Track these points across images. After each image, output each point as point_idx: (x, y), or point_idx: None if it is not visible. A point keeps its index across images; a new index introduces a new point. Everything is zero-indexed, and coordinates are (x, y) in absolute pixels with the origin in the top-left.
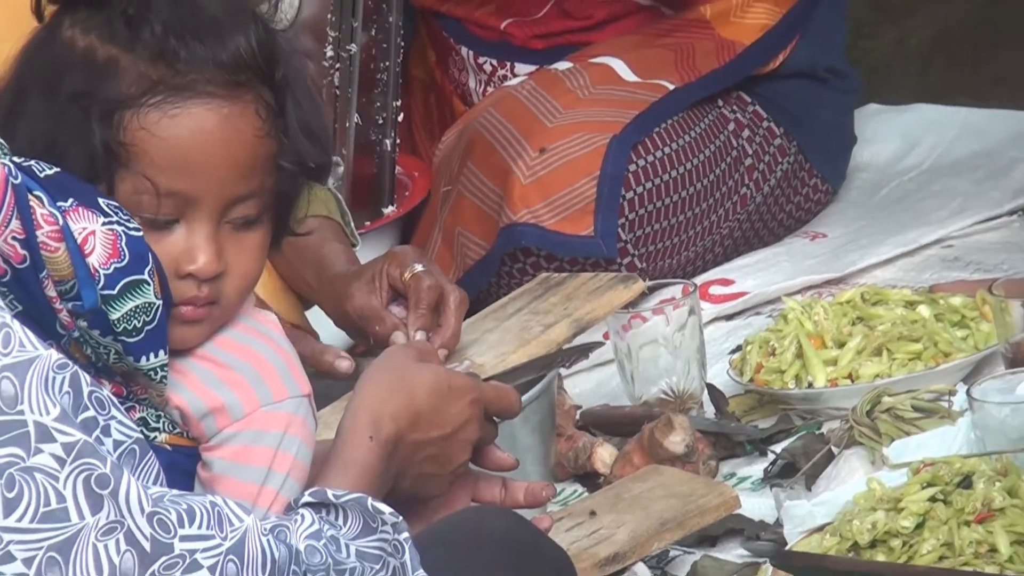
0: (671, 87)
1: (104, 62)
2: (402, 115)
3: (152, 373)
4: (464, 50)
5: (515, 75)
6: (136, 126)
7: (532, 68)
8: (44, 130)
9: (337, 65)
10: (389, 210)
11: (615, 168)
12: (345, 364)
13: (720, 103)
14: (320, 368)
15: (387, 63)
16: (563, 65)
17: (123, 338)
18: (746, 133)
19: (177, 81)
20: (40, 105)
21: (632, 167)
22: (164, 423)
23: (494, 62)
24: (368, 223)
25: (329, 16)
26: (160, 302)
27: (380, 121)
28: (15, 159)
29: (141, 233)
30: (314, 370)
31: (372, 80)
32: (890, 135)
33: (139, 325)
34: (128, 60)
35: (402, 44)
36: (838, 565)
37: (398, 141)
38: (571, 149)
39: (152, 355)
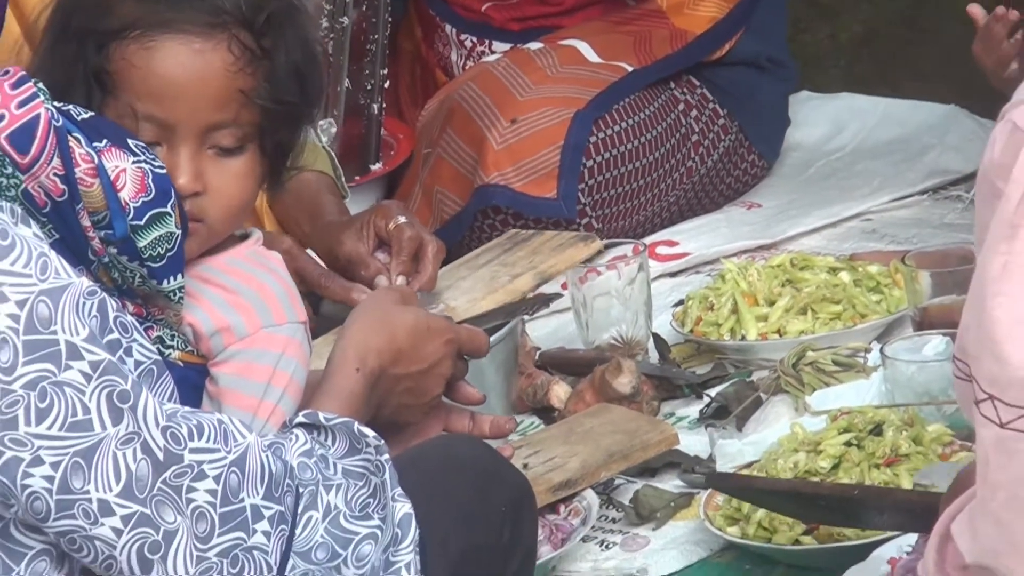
0: (630, 69)
1: (101, 2)
2: (388, 83)
3: (171, 294)
4: (448, 27)
5: (492, 52)
6: (119, 56)
7: (508, 47)
8: (59, 66)
9: (331, 35)
10: (376, 167)
11: (577, 139)
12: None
13: (672, 85)
14: (347, 302)
15: (376, 36)
16: (535, 45)
17: (148, 263)
18: (694, 113)
19: (156, 19)
20: (57, 45)
21: (592, 139)
22: (178, 341)
23: (474, 39)
24: (357, 178)
25: None
26: (180, 232)
27: (368, 87)
28: (56, 103)
29: (165, 171)
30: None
31: (362, 50)
32: (820, 119)
33: (162, 252)
34: (118, 0)
35: (390, 19)
36: (763, 484)
37: (384, 106)
38: (539, 121)
39: (172, 278)
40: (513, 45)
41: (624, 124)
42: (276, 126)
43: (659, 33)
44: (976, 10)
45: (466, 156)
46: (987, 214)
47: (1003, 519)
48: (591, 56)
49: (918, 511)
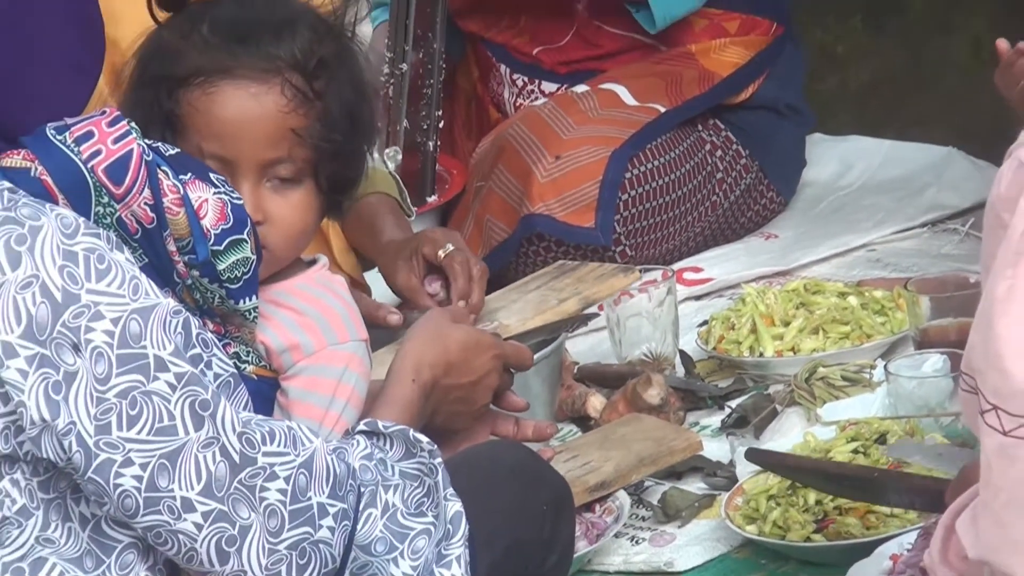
0: (662, 109)
1: (172, 51)
2: (443, 122)
3: (247, 314)
4: (503, 68)
5: (542, 91)
6: (185, 101)
7: (556, 86)
8: (138, 110)
9: (391, 80)
10: (432, 199)
11: (614, 175)
12: (394, 318)
13: (699, 128)
14: (375, 321)
15: (431, 80)
16: (579, 88)
17: (226, 285)
18: (719, 153)
19: (217, 66)
20: (136, 90)
21: (628, 175)
22: (252, 357)
23: (525, 79)
24: (415, 209)
25: (386, 40)
26: (255, 257)
27: (424, 127)
28: (146, 140)
29: (242, 201)
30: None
31: (419, 93)
32: (831, 159)
33: (239, 275)
34: (185, 50)
35: (444, 65)
36: (794, 462)
37: (439, 143)
38: (580, 158)
39: (247, 299)
40: (560, 85)
41: (656, 162)
42: (329, 162)
43: (689, 74)
44: (1002, 44)
45: (514, 188)
46: (993, 243)
47: (1004, 519)
48: (628, 99)
49: (926, 493)
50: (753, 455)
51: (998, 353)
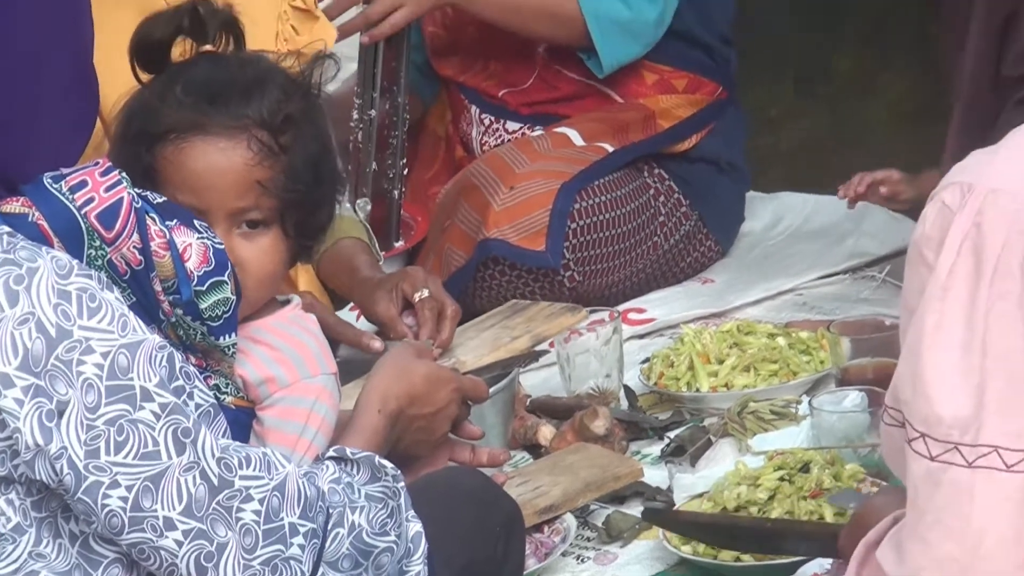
0: (610, 149)
1: (150, 110)
2: (408, 170)
3: (227, 349)
4: (473, 108)
5: (506, 129)
6: (161, 155)
7: (519, 125)
8: (122, 163)
9: (360, 126)
10: (398, 244)
11: (563, 205)
12: (376, 344)
13: (645, 174)
14: (358, 347)
15: (396, 132)
16: (536, 132)
17: (208, 323)
18: (661, 199)
19: (189, 123)
20: (121, 144)
21: (576, 206)
22: (231, 388)
23: (492, 118)
24: (383, 253)
25: (356, 89)
26: (235, 297)
27: (391, 175)
28: (136, 190)
29: (223, 246)
30: (352, 347)
31: (386, 143)
32: (764, 213)
33: (219, 313)
34: (162, 108)
35: (407, 117)
36: (687, 518)
37: (404, 191)
38: (533, 188)
39: (227, 336)
40: (522, 124)
41: (602, 198)
42: (295, 210)
43: (636, 123)
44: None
45: (473, 219)
46: (915, 280)
47: (928, 539)
48: (577, 140)
49: (819, 539)
50: (649, 515)
51: (926, 383)
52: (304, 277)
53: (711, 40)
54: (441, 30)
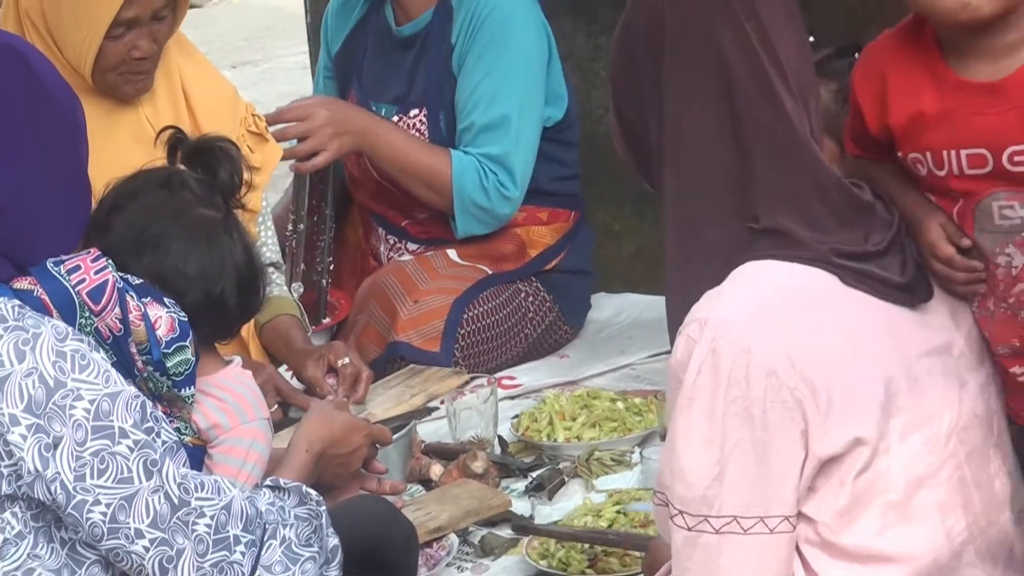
0: (489, 271)
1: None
2: (333, 265)
3: (187, 399)
4: (380, 230)
5: (407, 249)
6: None
7: (417, 246)
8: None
9: (294, 235)
10: (325, 321)
11: (455, 316)
12: (306, 403)
13: (518, 283)
14: (293, 403)
15: (324, 237)
16: (432, 252)
17: (173, 378)
18: (530, 299)
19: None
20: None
21: (465, 316)
22: (188, 430)
23: (396, 239)
24: (313, 327)
25: (291, 206)
26: (194, 359)
27: (319, 269)
28: (120, 272)
29: (187, 318)
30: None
31: (315, 245)
32: (609, 306)
33: (182, 371)
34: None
35: (333, 225)
36: (545, 531)
37: (330, 280)
38: (432, 303)
39: (187, 388)
40: (420, 245)
41: (485, 307)
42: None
43: (511, 250)
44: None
45: (384, 321)
46: (673, 393)
47: None
48: (456, 259)
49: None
50: (518, 529)
51: (681, 471)
52: (253, 345)
53: (563, 184)
54: (355, 169)
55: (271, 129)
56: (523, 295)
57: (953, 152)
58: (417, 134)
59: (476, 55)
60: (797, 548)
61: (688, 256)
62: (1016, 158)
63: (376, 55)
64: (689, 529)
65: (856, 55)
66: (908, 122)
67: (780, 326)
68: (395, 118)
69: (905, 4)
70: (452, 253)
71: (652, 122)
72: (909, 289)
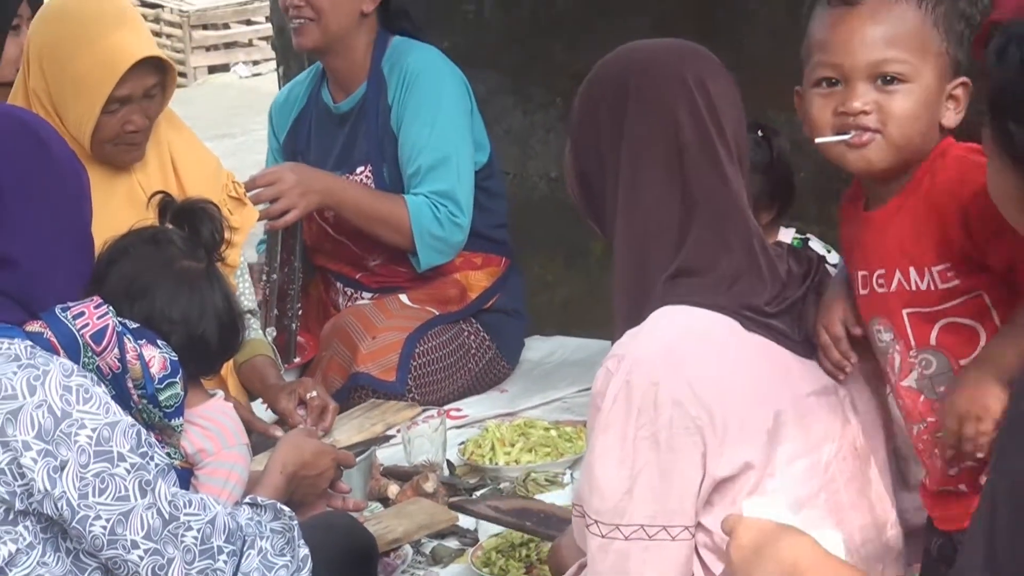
0: (436, 313)
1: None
2: (301, 311)
3: (176, 428)
4: (338, 283)
5: (362, 297)
6: None
7: (370, 295)
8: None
9: (267, 285)
10: (296, 360)
11: (408, 350)
12: (277, 432)
13: (461, 323)
14: (264, 434)
15: (293, 286)
16: (386, 297)
17: (164, 410)
18: (472, 338)
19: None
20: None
21: (416, 350)
22: (177, 455)
23: (352, 291)
24: (285, 365)
25: (264, 259)
26: (183, 393)
27: (289, 315)
28: (118, 318)
29: (176, 357)
30: (260, 433)
31: (286, 294)
32: (543, 347)
33: (172, 404)
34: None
35: (302, 275)
36: (477, 508)
37: (299, 325)
38: (387, 339)
39: (177, 419)
40: (373, 294)
41: (433, 343)
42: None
43: (454, 296)
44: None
45: (346, 356)
46: (592, 418)
47: None
48: (407, 302)
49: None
50: (455, 506)
51: (597, 487)
52: (231, 381)
53: (493, 232)
54: (311, 236)
55: (248, 194)
56: (465, 333)
57: (854, 272)
58: None
59: (413, 110)
60: (697, 552)
61: (634, 298)
62: (879, 280)
63: (320, 133)
64: (603, 536)
65: (759, 132)
66: (843, 244)
67: (686, 363)
68: (343, 177)
69: None
70: (403, 297)
71: (609, 175)
72: (800, 344)
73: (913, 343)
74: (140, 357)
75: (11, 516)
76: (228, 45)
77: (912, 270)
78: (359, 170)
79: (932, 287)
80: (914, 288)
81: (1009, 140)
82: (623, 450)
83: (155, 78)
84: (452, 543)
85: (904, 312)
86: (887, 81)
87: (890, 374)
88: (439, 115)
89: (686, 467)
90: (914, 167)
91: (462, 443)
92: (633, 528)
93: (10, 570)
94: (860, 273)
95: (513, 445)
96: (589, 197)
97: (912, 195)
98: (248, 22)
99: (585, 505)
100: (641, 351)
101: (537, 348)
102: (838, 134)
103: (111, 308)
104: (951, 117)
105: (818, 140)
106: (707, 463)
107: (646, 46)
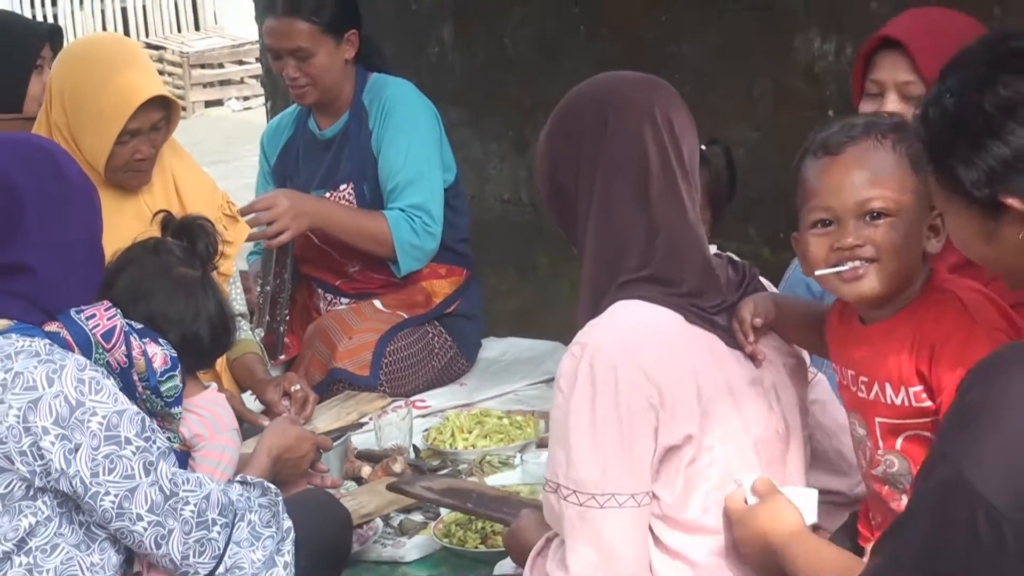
0: (405, 316)
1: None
2: (289, 316)
3: (176, 415)
4: (320, 291)
5: (341, 303)
6: None
7: (348, 300)
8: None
9: (261, 294)
10: (281, 357)
11: (380, 349)
12: (264, 421)
13: (427, 326)
14: (253, 423)
15: (283, 296)
16: (362, 303)
17: (165, 399)
18: (436, 339)
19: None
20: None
21: (388, 348)
22: (176, 440)
23: (332, 296)
24: (273, 362)
25: (258, 271)
26: (181, 385)
27: (279, 319)
28: (125, 319)
29: (176, 354)
30: (249, 422)
31: (277, 302)
32: (498, 347)
33: (172, 394)
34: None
35: (291, 286)
36: (418, 491)
37: (286, 327)
38: (363, 339)
39: (176, 407)
40: (351, 299)
41: (402, 343)
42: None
43: (421, 301)
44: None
45: (325, 353)
46: (557, 398)
47: (579, 552)
48: (380, 307)
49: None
50: (392, 487)
51: (573, 461)
52: (225, 376)
53: (457, 245)
54: (305, 247)
55: (245, 217)
56: (430, 335)
57: (838, 366)
58: (347, 203)
59: (392, 135)
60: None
61: (597, 300)
62: (861, 385)
63: (307, 156)
64: (580, 505)
65: (715, 143)
66: (829, 337)
67: (639, 349)
68: (328, 194)
69: None
70: (377, 303)
71: (583, 189)
72: (735, 339)
73: (881, 445)
74: (144, 353)
75: (31, 492)
76: (223, 82)
77: (888, 386)
78: (342, 187)
79: (906, 403)
80: (888, 402)
81: (958, 181)
82: (593, 427)
83: (161, 113)
84: (417, 517)
85: (876, 420)
86: (874, 216)
87: (862, 461)
88: (414, 139)
89: (644, 440)
90: (908, 295)
91: (426, 430)
92: (606, 497)
93: (31, 540)
94: (847, 371)
95: (471, 432)
96: (561, 207)
97: (903, 323)
98: (240, 62)
99: (562, 479)
100: (600, 340)
101: (492, 348)
102: (834, 267)
103: (119, 310)
104: (933, 245)
105: (817, 273)
106: (658, 435)
107: (622, 81)
